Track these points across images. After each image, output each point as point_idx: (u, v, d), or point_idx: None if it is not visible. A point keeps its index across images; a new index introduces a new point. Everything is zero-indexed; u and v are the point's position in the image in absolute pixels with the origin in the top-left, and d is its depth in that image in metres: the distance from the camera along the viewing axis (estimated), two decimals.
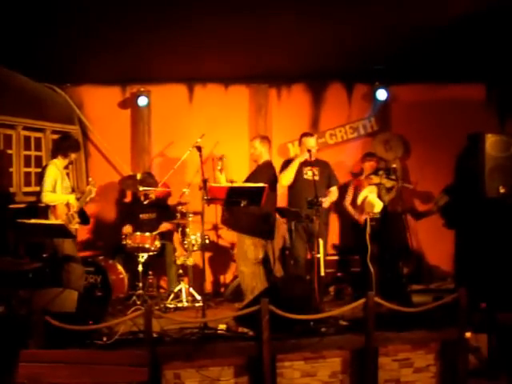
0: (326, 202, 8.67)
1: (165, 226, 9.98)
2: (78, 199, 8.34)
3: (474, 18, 7.80)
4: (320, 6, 7.48)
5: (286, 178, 8.82)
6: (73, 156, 8.55)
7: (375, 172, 9.68)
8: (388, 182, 9.48)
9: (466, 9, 7.58)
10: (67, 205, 8.22)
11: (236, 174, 9.05)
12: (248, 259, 8.42)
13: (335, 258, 10.44)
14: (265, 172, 8.65)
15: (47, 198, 8.16)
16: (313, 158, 8.70)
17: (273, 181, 8.64)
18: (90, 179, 8.75)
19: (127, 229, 9.88)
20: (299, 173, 8.82)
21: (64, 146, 8.45)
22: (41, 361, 5.62)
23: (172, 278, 9.74)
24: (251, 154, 8.86)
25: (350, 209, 9.85)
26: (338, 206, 10.09)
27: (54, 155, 8.49)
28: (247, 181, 8.46)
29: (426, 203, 10.91)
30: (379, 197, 9.46)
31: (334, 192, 9.07)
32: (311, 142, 8.83)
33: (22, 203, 9.05)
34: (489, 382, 7.71)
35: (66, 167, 8.69)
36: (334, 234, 10.73)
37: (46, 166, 8.39)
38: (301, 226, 8.69)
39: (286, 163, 9.04)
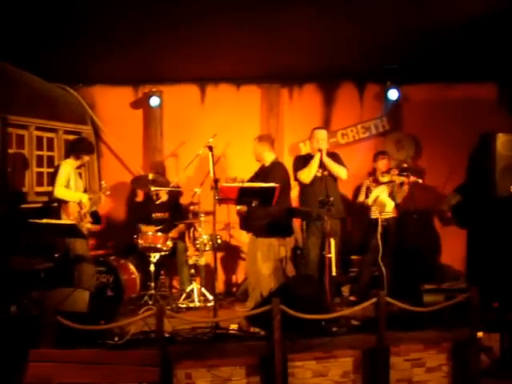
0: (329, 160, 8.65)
1: (180, 227, 10.01)
2: (89, 199, 8.37)
3: (486, 17, 7.77)
4: (332, 6, 7.48)
5: (307, 176, 8.77)
6: (86, 158, 8.58)
7: (388, 171, 9.66)
8: (398, 178, 9.42)
9: (478, 9, 7.56)
10: (79, 203, 8.25)
11: (247, 174, 9.03)
12: (270, 261, 8.42)
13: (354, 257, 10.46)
14: (279, 170, 8.69)
15: (60, 192, 8.18)
16: (325, 154, 8.73)
17: (286, 179, 8.68)
18: (103, 182, 8.77)
19: (144, 227, 9.91)
20: None
21: (78, 147, 8.49)
22: (50, 360, 5.63)
23: (184, 277, 9.77)
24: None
25: (362, 202, 9.76)
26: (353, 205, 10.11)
27: (66, 156, 8.53)
28: (261, 180, 8.44)
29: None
30: (392, 195, 9.44)
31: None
32: (320, 134, 8.79)
33: (35, 203, 9.09)
34: (501, 381, 7.67)
35: (79, 168, 8.70)
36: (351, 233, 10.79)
37: (59, 165, 8.43)
38: (314, 226, 8.67)
39: (299, 159, 9.02)
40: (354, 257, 10.35)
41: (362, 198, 9.71)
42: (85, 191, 8.77)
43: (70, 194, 8.24)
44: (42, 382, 5.53)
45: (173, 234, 9.86)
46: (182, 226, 10.15)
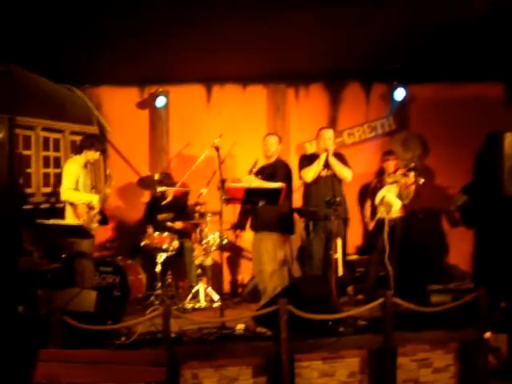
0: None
1: (178, 224, 9.96)
2: (99, 200, 8.36)
3: (493, 16, 7.76)
4: (338, 6, 7.46)
5: (311, 174, 8.71)
6: (94, 155, 8.50)
7: (395, 171, 9.63)
8: (402, 179, 9.36)
9: (485, 7, 7.55)
10: (88, 205, 8.22)
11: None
12: (273, 258, 8.40)
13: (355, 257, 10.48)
14: (284, 168, 8.67)
15: (66, 195, 8.15)
16: (331, 154, 8.69)
17: (290, 177, 8.66)
18: (108, 171, 8.83)
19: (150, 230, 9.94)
20: None
21: (87, 143, 8.47)
22: (59, 360, 5.62)
23: (190, 277, 9.76)
24: (267, 149, 8.77)
25: (366, 212, 9.80)
26: (358, 205, 10.09)
27: (76, 152, 8.53)
28: (266, 177, 8.43)
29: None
30: (400, 196, 9.40)
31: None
32: (326, 134, 8.76)
33: (41, 204, 9.08)
34: (509, 382, 7.65)
35: (85, 166, 8.66)
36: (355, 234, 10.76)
37: (65, 164, 8.43)
38: (319, 225, 8.66)
39: (305, 158, 8.99)
40: (359, 257, 10.35)
41: (369, 201, 9.70)
42: (92, 189, 8.73)
43: (78, 196, 8.20)
44: (52, 381, 5.53)
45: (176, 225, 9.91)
46: (178, 224, 10.07)
